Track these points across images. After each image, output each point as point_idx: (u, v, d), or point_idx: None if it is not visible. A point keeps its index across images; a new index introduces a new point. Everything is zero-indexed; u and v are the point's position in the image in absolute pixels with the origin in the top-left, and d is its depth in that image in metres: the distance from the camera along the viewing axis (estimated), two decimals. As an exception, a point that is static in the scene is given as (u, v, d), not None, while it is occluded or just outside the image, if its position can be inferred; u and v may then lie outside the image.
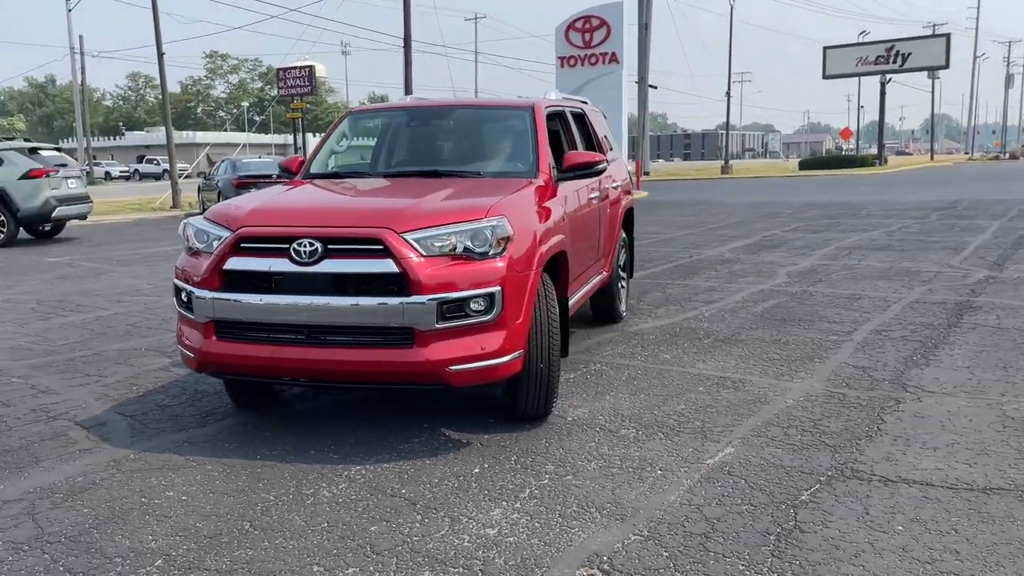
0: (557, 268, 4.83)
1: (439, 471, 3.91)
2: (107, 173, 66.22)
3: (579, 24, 29.96)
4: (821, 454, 4.03)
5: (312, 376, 4.13)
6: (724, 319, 7.25)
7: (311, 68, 41.01)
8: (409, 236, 3.92)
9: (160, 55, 23.04)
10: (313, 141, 74.09)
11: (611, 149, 7.34)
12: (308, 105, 47.00)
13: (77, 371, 5.91)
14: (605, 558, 3.05)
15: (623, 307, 7.25)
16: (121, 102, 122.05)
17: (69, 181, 15.38)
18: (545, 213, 4.69)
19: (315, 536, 3.27)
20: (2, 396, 5.33)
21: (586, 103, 7.25)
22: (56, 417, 4.86)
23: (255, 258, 4.09)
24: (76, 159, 52.32)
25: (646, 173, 51.06)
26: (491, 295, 3.96)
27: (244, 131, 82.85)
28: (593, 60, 29.75)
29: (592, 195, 5.91)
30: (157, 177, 64.66)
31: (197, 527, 3.37)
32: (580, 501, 3.55)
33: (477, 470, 3.93)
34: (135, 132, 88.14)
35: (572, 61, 30.21)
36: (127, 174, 68.12)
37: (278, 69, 41.71)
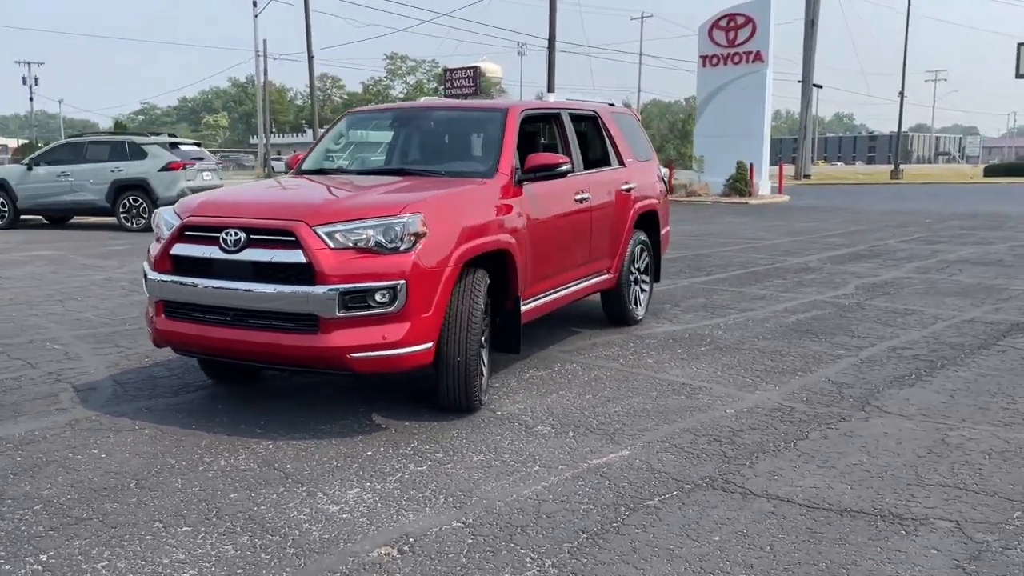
0: (505, 266, 4.96)
1: (334, 451, 4.18)
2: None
3: (723, 22, 29.27)
4: (709, 464, 3.99)
5: (237, 356, 4.50)
6: (744, 328, 7.08)
7: (476, 69, 42.32)
8: (320, 229, 4.20)
9: (310, 57, 24.68)
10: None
11: (641, 155, 7.32)
12: (472, 105, 48.50)
13: (111, 342, 6.60)
14: (412, 540, 3.21)
15: (640, 310, 7.23)
16: (310, 101, 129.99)
17: (204, 174, 16.82)
18: (485, 212, 4.84)
19: (179, 498, 3.62)
20: (34, 358, 6.06)
21: (613, 105, 7.29)
22: (62, 380, 5.51)
23: (194, 245, 4.51)
24: (259, 154, 56.52)
25: (806, 176, 49.11)
26: (394, 288, 4.18)
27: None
28: (736, 59, 28.99)
29: (578, 197, 5.97)
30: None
31: (91, 480, 3.80)
32: (437, 488, 3.71)
33: (370, 453, 4.16)
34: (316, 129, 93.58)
35: (714, 60, 29.57)
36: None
37: (445, 69, 43.38)
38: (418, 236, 4.30)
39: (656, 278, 7.67)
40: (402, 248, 4.25)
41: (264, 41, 53.16)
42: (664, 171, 8.17)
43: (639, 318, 7.18)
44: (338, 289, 4.13)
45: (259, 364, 4.63)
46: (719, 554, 3.07)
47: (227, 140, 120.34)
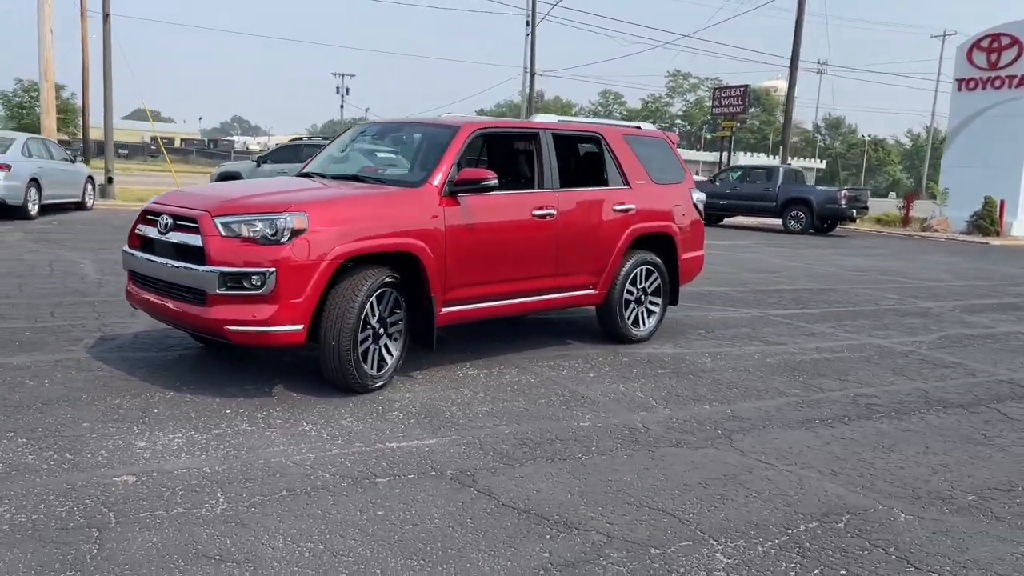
0: (418, 267, 5.51)
1: (203, 407, 4.96)
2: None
3: (985, 43, 26.67)
4: (474, 459, 4.30)
5: (164, 318, 5.47)
6: (739, 359, 6.96)
7: (745, 88, 41.86)
8: (218, 220, 5.04)
9: (532, 75, 25.88)
10: (745, 159, 74.70)
11: (661, 178, 7.45)
12: (737, 125, 47.85)
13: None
14: (155, 474, 3.92)
15: (642, 330, 7.33)
16: (592, 116, 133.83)
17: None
18: (391, 216, 5.42)
19: (45, 418, 4.59)
20: (103, 315, 7.49)
21: (638, 128, 7.47)
22: (99, 330, 6.83)
23: (146, 227, 5.55)
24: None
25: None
26: (264, 274, 4.91)
27: (693, 149, 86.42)
28: (997, 83, 26.30)
29: (539, 212, 6.31)
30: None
31: (12, 399, 4.91)
32: (236, 444, 4.37)
33: (228, 411, 4.91)
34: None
35: (971, 84, 27.01)
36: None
37: (714, 89, 43.38)
38: (296, 232, 4.98)
39: (672, 300, 7.68)
40: (281, 241, 4.96)
41: (532, 58, 55.64)
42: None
43: (638, 337, 7.28)
44: (219, 270, 4.93)
45: (177, 326, 5.55)
46: (392, 526, 3.46)
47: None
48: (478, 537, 3.42)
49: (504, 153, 7.23)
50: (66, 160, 18.19)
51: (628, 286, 7.15)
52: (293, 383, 5.53)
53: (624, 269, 7.06)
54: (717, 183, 25.91)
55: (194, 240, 5.09)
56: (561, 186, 6.70)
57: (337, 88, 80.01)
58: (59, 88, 40.93)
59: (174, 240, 5.24)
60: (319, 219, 5.08)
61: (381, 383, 5.45)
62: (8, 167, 15.05)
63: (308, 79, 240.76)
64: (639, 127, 7.72)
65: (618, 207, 6.95)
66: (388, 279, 5.38)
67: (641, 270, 7.24)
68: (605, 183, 7.08)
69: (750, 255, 16.70)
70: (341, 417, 4.88)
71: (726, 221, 26.83)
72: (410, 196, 5.66)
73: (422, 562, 3.19)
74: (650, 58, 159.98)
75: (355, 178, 6.17)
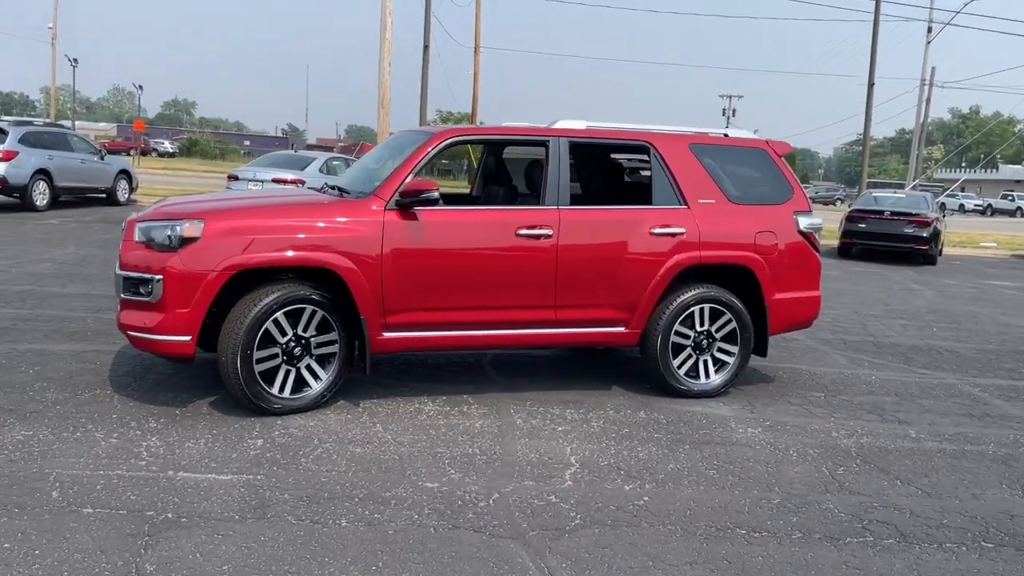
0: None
1: (122, 408, 5.07)
2: (961, 206, 64.67)
3: None
4: (225, 508, 3.80)
5: None
6: (788, 435, 5.36)
7: None
8: (138, 225, 5.12)
9: (870, 85, 22.89)
10: None
11: (746, 197, 6.09)
12: None
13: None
14: (-69, 466, 4.07)
15: (701, 382, 5.97)
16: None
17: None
18: (305, 229, 5.06)
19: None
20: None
21: (714, 135, 6.20)
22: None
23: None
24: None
25: None
26: (150, 281, 4.87)
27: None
28: None
29: (526, 232, 5.46)
30: (1011, 213, 60.96)
31: (-24, 381, 5.46)
32: (30, 442, 4.40)
33: (114, 415, 4.96)
34: (1013, 166, 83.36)
35: None
36: (980, 208, 65.46)
37: None
38: (186, 240, 4.87)
39: (759, 350, 6.17)
40: (173, 248, 4.88)
41: (932, 69, 49.55)
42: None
43: (695, 390, 5.95)
44: (122, 275, 5.00)
45: None
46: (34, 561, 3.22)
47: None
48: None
49: (514, 166, 6.41)
50: (91, 154, 18.16)
51: (678, 327, 5.86)
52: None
53: (671, 305, 5.80)
54: None
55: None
56: (573, 202, 5.71)
57: (723, 110, 78.77)
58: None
59: (128, 246, 5.41)
60: (215, 228, 4.89)
61: (295, 406, 5.08)
62: (16, 153, 15.27)
63: (690, 102, 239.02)
64: (725, 134, 6.31)
65: (659, 230, 5.74)
66: (310, 296, 5.01)
67: (702, 309, 5.91)
68: (648, 201, 5.89)
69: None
70: (187, 437, 4.62)
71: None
72: (341, 208, 5.22)
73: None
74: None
75: (322, 189, 5.86)
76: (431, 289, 5.28)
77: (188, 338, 4.87)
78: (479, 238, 5.39)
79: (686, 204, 5.87)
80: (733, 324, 5.98)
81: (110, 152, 20.27)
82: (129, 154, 51.86)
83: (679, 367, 5.93)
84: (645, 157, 6.08)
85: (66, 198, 18.04)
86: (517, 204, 6.18)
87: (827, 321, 9.28)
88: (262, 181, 15.25)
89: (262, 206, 5.30)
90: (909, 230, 17.41)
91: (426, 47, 22.52)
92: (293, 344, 5.07)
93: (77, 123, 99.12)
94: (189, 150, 73.98)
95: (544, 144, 5.72)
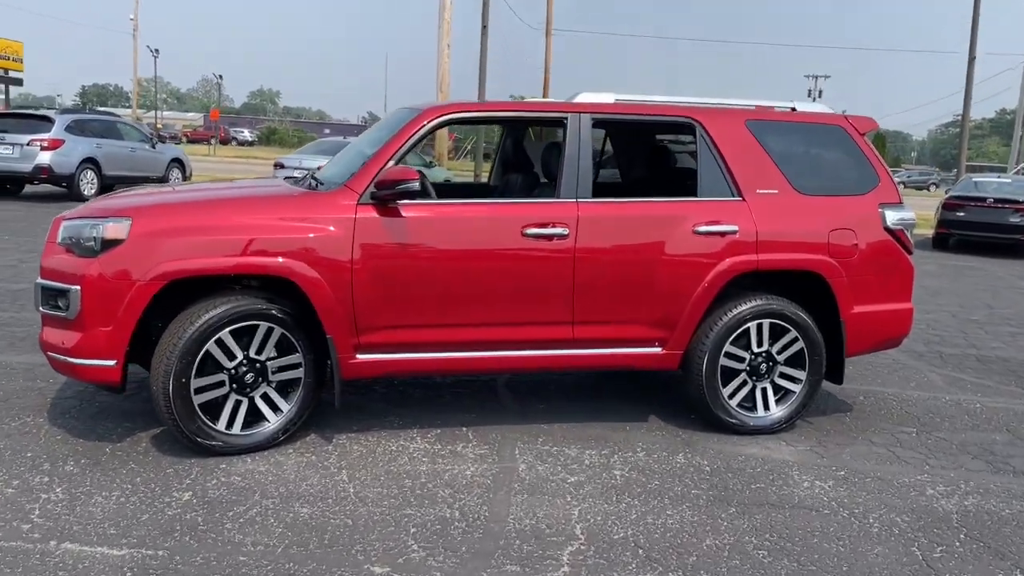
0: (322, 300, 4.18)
1: (48, 439, 4.25)
2: None
3: None
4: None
5: None
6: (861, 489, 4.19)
7: None
8: (64, 223, 4.26)
9: (972, 60, 20.80)
10: None
11: (819, 187, 4.90)
12: None
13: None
14: None
15: (757, 415, 4.83)
16: None
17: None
18: (256, 228, 4.12)
19: None
20: None
21: (781, 109, 5.01)
22: None
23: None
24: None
25: None
26: (66, 292, 3.99)
27: None
28: None
29: (535, 231, 4.40)
30: None
31: None
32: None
33: (31, 452, 4.12)
34: None
35: None
36: None
37: None
38: (109, 243, 3.98)
39: (833, 376, 4.98)
40: (94, 253, 4.00)
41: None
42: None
43: (751, 425, 4.82)
44: (39, 284, 4.15)
45: None
46: None
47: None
48: None
49: (533, 150, 5.35)
50: (142, 142, 17.86)
51: (730, 347, 4.71)
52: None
53: (721, 321, 4.67)
54: None
55: (56, 248, 4.34)
56: (598, 194, 4.61)
57: (809, 91, 75.46)
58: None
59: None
60: (143, 228, 3.98)
61: (246, 444, 4.17)
62: (62, 142, 15.00)
63: (773, 83, 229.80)
64: (792, 108, 5.10)
65: (705, 228, 4.60)
66: (264, 311, 4.08)
67: (760, 325, 4.75)
68: (692, 192, 4.75)
69: None
70: (100, 488, 3.75)
71: None
72: (306, 204, 4.26)
73: None
74: None
75: (319, 182, 4.89)
76: (416, 301, 4.29)
77: (112, 362, 3.97)
78: (476, 238, 4.35)
79: (740, 195, 4.71)
80: (799, 344, 4.80)
81: (191, 141, 20.18)
82: (209, 143, 52.66)
83: (730, 396, 4.79)
84: (685, 139, 4.92)
85: (120, 188, 17.74)
86: (535, 196, 5.11)
87: (920, 328, 7.90)
88: (307, 169, 14.65)
89: (208, 200, 4.37)
90: (1016, 219, 15.58)
91: (484, 27, 21.52)
92: (244, 369, 4.14)
93: (166, 113, 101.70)
94: (268, 139, 74.77)
95: (561, 123, 4.63)
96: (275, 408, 4.27)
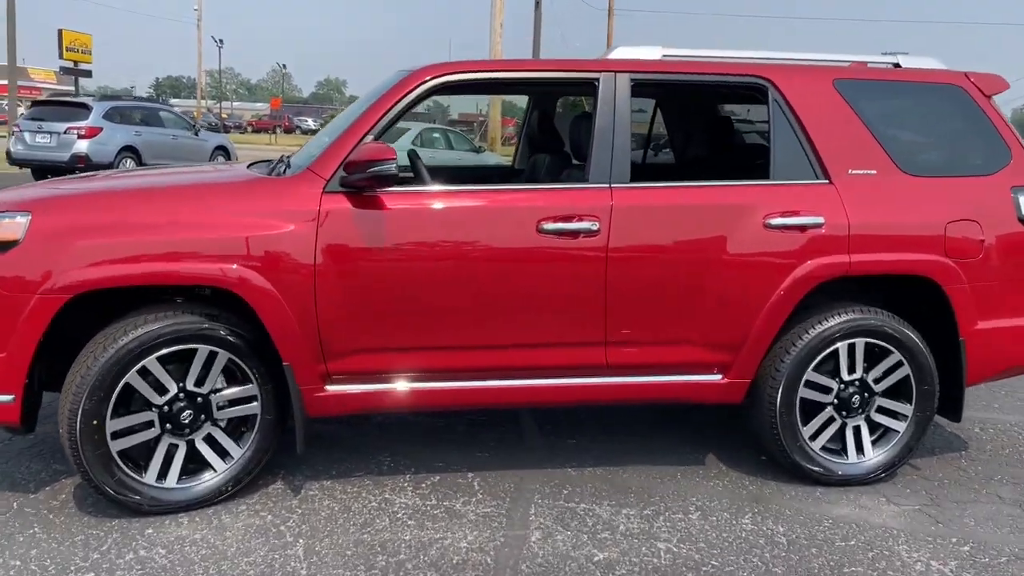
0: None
1: None
2: None
3: None
4: None
5: None
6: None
7: None
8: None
9: None
10: None
11: (910, 166, 3.77)
12: None
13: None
14: None
15: (848, 462, 3.74)
16: None
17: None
18: (193, 226, 3.20)
19: None
20: None
21: (897, 67, 3.89)
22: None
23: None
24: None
25: None
26: (-52, 309, 3.14)
27: None
28: None
29: (558, 226, 3.38)
30: None
31: None
32: None
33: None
34: None
35: None
36: None
37: None
38: (1, 245, 3.10)
39: (948, 410, 3.85)
40: (-11, 257, 3.13)
41: None
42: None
43: (840, 474, 3.73)
44: (-67, 298, 3.29)
45: None
46: None
47: None
48: None
49: (564, 125, 4.34)
50: (184, 129, 17.32)
51: (812, 373, 3.63)
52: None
53: (801, 340, 3.59)
54: None
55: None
56: (637, 178, 3.56)
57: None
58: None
59: None
60: (45, 226, 3.10)
61: (182, 500, 3.28)
62: (100, 130, 14.62)
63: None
64: (896, 64, 3.95)
65: (779, 220, 3.51)
66: (203, 331, 3.17)
67: (852, 346, 3.65)
68: (764, 174, 3.66)
69: None
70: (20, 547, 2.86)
71: None
72: (259, 192, 3.33)
73: None
74: None
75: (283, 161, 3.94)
76: (400, 318, 3.33)
77: (9, 398, 3.10)
78: (478, 236, 3.36)
79: (827, 177, 3.60)
80: (904, 369, 3.68)
81: (256, 131, 19.75)
82: (273, 132, 52.86)
83: (812, 437, 3.70)
84: (755, 103, 3.83)
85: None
86: (561, 181, 4.08)
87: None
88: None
89: (134, 190, 3.47)
90: None
91: (538, 3, 20.42)
92: (181, 405, 3.22)
93: (236, 104, 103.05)
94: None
95: (590, 86, 3.58)
96: (223, 453, 3.35)
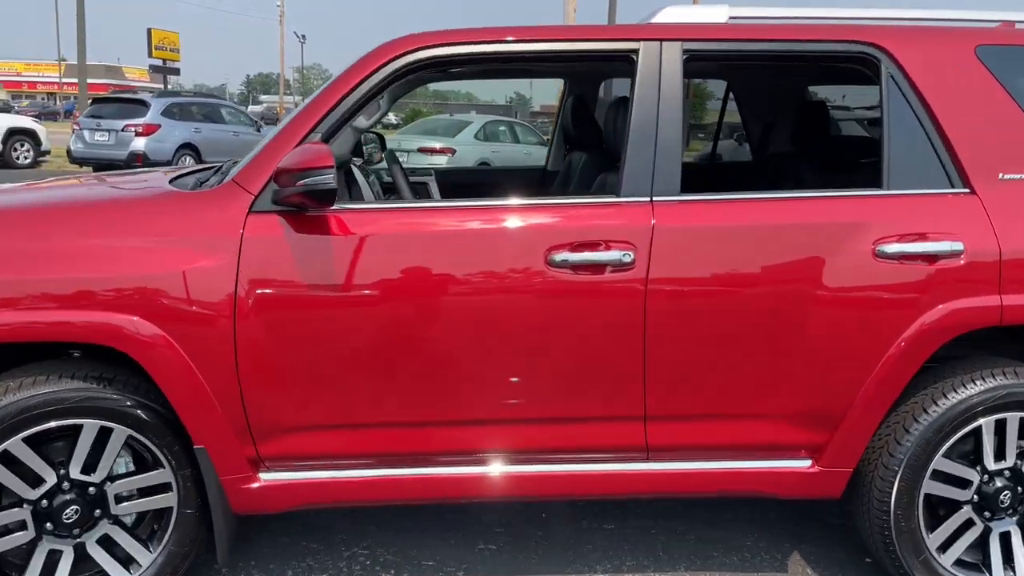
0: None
1: None
2: None
3: None
4: None
5: None
6: None
7: None
8: None
9: None
10: None
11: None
12: None
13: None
14: None
15: (999, 582, 2.69)
16: None
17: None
18: (75, 259, 2.36)
19: None
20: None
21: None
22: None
23: None
24: None
25: None
26: None
27: None
28: None
29: (563, 256, 2.42)
30: None
31: None
32: None
33: None
34: None
35: None
36: None
37: None
38: None
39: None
40: None
41: None
42: None
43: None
44: None
45: None
46: None
47: None
48: None
49: (579, 109, 3.35)
50: (247, 126, 16.68)
51: (941, 460, 2.56)
52: None
53: (927, 415, 2.52)
54: None
55: None
56: (688, 188, 2.54)
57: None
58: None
59: None
60: None
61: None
62: (158, 127, 14.21)
63: None
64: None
65: (896, 247, 2.45)
66: (92, 401, 2.35)
67: (1000, 423, 2.59)
68: (873, 181, 2.59)
69: None
70: None
71: None
72: (166, 212, 2.45)
73: None
74: None
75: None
76: (353, 384, 2.41)
77: None
78: (463, 270, 2.39)
79: (967, 185, 2.52)
80: (1053, 450, 2.55)
81: None
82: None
83: (942, 548, 2.65)
84: (863, 81, 2.75)
85: None
86: (592, 192, 3.09)
87: None
88: (407, 151, 13.25)
89: (8, 210, 2.60)
90: None
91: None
92: (65, 498, 2.38)
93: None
94: (411, 121, 75.16)
95: (627, 60, 2.57)
96: (126, 560, 2.49)
